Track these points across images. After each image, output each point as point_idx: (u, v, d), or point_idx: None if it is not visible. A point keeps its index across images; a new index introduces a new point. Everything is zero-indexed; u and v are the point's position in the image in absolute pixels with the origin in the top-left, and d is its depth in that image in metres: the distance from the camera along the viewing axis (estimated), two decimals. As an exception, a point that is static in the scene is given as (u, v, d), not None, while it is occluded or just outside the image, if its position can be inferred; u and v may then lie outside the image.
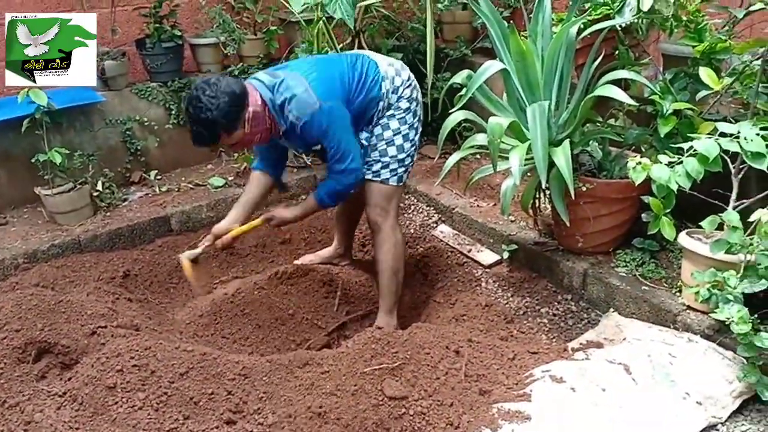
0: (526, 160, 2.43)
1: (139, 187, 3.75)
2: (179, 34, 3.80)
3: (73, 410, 2.02)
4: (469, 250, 3.13)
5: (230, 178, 3.75)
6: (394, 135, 2.61)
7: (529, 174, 2.68)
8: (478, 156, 3.73)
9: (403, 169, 2.66)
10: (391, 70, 2.62)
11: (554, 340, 2.55)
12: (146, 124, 3.81)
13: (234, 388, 2.07)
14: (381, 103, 2.57)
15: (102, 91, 3.67)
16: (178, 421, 1.97)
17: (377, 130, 2.61)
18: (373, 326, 2.57)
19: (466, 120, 2.70)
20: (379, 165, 2.62)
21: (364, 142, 2.61)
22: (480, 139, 2.70)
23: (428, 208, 3.54)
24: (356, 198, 2.99)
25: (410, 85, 2.64)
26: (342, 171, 2.49)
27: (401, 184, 2.69)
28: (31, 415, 2.02)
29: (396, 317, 2.75)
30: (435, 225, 3.42)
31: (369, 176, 2.63)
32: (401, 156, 2.63)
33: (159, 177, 3.80)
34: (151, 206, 3.49)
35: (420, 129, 2.72)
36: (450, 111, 2.68)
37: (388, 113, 2.60)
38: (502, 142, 2.48)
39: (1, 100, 3.50)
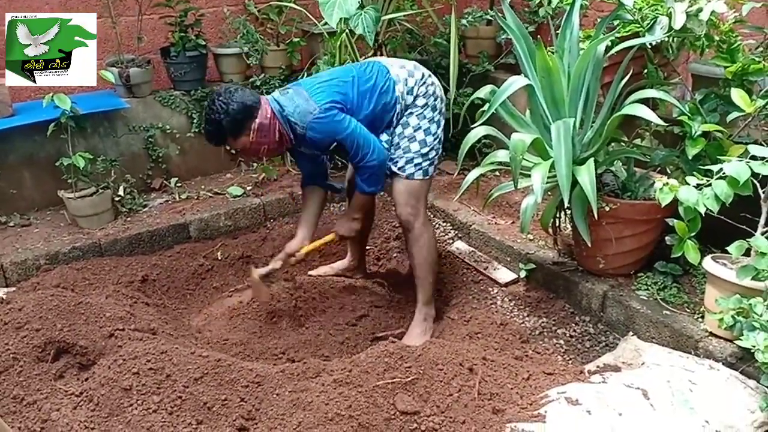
0: (548, 178, 2.40)
1: (160, 193, 3.77)
2: (203, 43, 3.83)
3: (89, 410, 2.04)
4: (486, 268, 3.11)
5: (248, 188, 3.77)
6: (415, 131, 2.66)
7: (549, 192, 2.65)
8: (497, 173, 3.71)
9: (428, 162, 2.70)
10: (403, 72, 2.67)
11: (570, 361, 2.51)
12: (168, 131, 3.84)
13: (247, 395, 2.08)
14: (398, 106, 2.64)
15: (126, 97, 3.71)
16: (191, 425, 1.97)
17: (398, 129, 2.68)
18: (414, 317, 2.78)
19: (486, 136, 2.69)
20: (404, 160, 2.67)
21: (385, 144, 2.67)
22: (501, 155, 2.68)
23: (445, 224, 3.52)
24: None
25: (424, 82, 2.68)
26: (364, 157, 2.57)
27: (427, 177, 2.73)
28: (48, 414, 2.03)
29: (433, 307, 2.83)
30: (451, 241, 3.40)
31: (394, 170, 2.68)
32: (424, 150, 2.67)
33: (179, 184, 3.82)
34: (170, 213, 3.51)
35: (443, 121, 2.75)
36: (471, 127, 2.67)
37: (407, 112, 2.67)
38: (524, 159, 2.46)
39: (26, 104, 3.56)
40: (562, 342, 2.63)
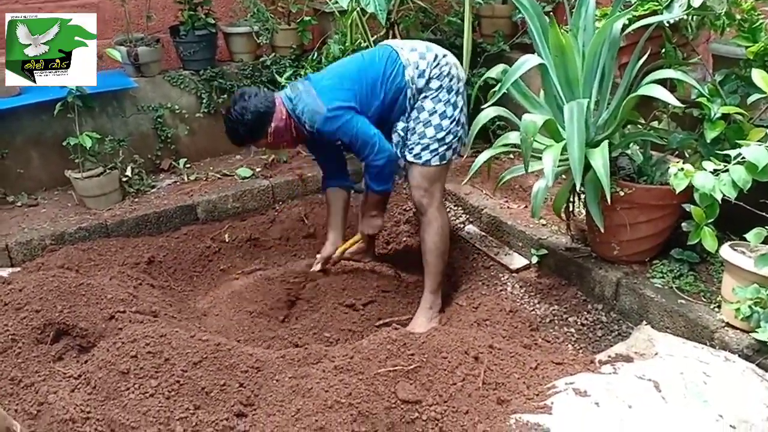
0: (560, 161, 2.34)
1: (168, 174, 3.75)
2: (213, 22, 3.79)
3: (86, 393, 2.01)
4: (497, 253, 3.04)
5: (257, 170, 3.73)
6: (430, 115, 2.61)
7: (563, 176, 2.58)
8: (511, 156, 3.62)
9: (445, 147, 2.65)
10: (414, 55, 2.62)
11: (581, 351, 2.45)
12: (177, 112, 3.81)
13: (246, 381, 2.05)
14: (408, 91, 2.60)
15: (135, 77, 3.69)
16: (188, 410, 1.94)
17: (413, 114, 2.64)
18: (420, 304, 2.74)
19: (500, 117, 2.62)
20: (419, 147, 2.63)
21: (401, 132, 2.65)
22: (513, 137, 2.61)
23: (456, 207, 3.45)
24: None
25: (437, 63, 2.62)
26: (368, 157, 2.59)
27: (444, 162, 2.68)
28: (44, 396, 2.01)
29: (440, 296, 2.78)
30: (462, 225, 3.33)
31: (410, 159, 2.65)
32: (441, 135, 2.62)
33: (188, 165, 3.80)
34: (178, 194, 3.49)
35: (461, 103, 2.69)
36: (481, 107, 2.59)
37: (421, 96, 2.62)
38: (536, 141, 2.39)
39: (33, 84, 3.54)
40: (573, 330, 2.56)
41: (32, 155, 3.47)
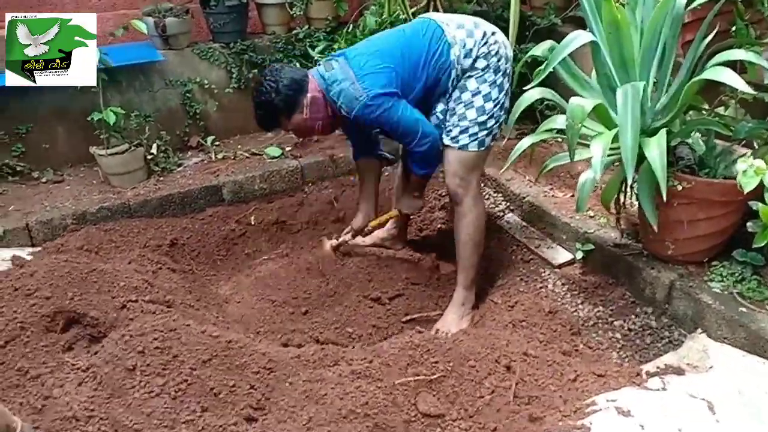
0: (611, 149, 2.12)
1: (196, 152, 3.64)
2: (244, -9, 3.62)
3: (91, 389, 1.92)
4: (538, 246, 2.83)
5: (287, 149, 3.58)
6: (473, 96, 2.43)
7: (617, 163, 2.34)
8: (559, 139, 3.38)
9: (486, 132, 2.46)
10: (461, 33, 2.41)
11: (627, 359, 2.24)
12: (206, 86, 3.68)
13: (257, 383, 1.93)
14: (453, 72, 2.41)
15: (162, 49, 3.56)
16: (195, 412, 1.83)
17: (455, 94, 2.46)
18: (452, 300, 2.57)
19: (549, 98, 2.40)
20: (458, 130, 2.45)
21: (440, 114, 2.48)
22: (560, 121, 2.41)
23: (496, 194, 3.24)
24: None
25: (486, 41, 2.42)
26: (412, 143, 2.45)
27: (483, 149, 2.49)
28: (50, 390, 1.92)
29: (474, 292, 2.62)
30: (501, 214, 3.12)
31: (447, 142, 2.48)
32: (482, 118, 2.43)
33: (217, 143, 3.69)
34: (204, 174, 3.38)
35: (507, 86, 2.50)
36: (526, 87, 2.38)
37: (465, 75, 2.43)
38: (585, 127, 2.17)
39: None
40: (618, 336, 2.35)
41: (58, 130, 3.40)
